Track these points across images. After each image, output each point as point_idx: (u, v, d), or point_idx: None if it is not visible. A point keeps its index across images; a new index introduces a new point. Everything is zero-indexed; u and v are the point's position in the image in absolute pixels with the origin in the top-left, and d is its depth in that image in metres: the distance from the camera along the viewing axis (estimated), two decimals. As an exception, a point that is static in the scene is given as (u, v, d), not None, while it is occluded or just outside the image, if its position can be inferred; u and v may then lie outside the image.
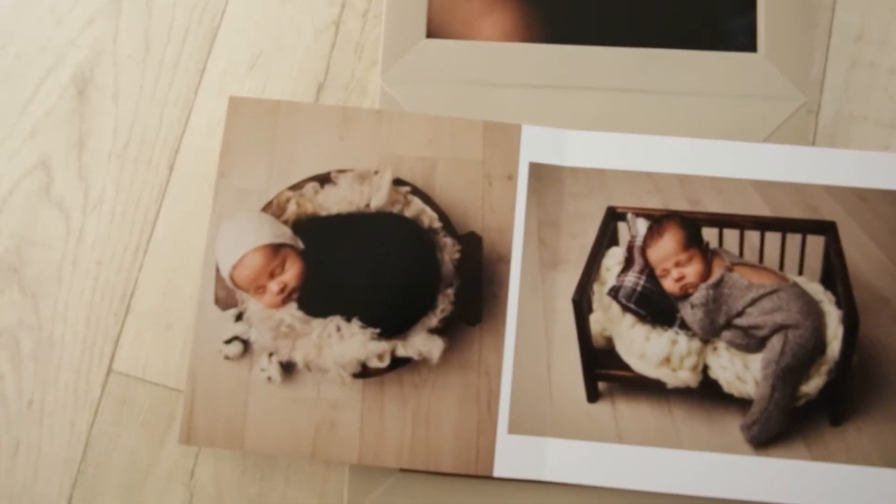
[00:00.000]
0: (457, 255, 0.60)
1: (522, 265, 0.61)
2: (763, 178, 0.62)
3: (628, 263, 0.61)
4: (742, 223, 0.62)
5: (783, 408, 0.58)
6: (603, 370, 0.59)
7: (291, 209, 0.60)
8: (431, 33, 0.66)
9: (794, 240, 0.61)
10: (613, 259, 0.61)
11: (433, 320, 0.58)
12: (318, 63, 0.70)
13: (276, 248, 0.58)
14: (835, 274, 0.60)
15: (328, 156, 0.61)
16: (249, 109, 0.62)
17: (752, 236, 0.62)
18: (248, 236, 0.59)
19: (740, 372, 0.59)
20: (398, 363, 0.58)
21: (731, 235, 0.62)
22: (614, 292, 0.60)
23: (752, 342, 0.59)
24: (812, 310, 0.59)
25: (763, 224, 0.61)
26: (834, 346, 0.59)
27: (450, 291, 0.59)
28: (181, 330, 0.64)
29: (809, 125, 0.67)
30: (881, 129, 0.67)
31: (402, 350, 0.58)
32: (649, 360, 0.59)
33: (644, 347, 0.59)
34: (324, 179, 0.61)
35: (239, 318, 0.59)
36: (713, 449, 0.58)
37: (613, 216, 0.62)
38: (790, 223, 0.61)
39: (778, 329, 0.59)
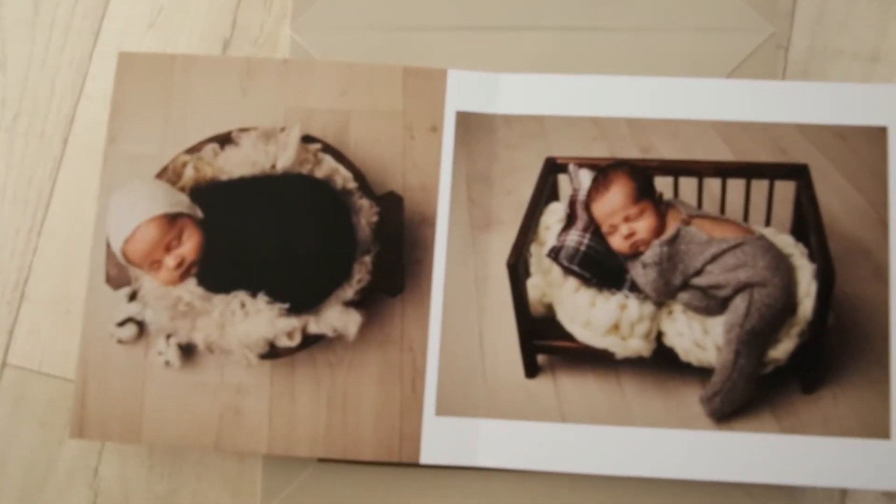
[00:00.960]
0: (374, 219, 0.56)
1: (450, 227, 0.56)
2: (725, 118, 0.57)
3: (570, 220, 0.56)
4: (701, 170, 0.56)
5: (748, 376, 0.53)
6: (543, 341, 0.55)
7: (189, 174, 0.56)
8: (346, -28, 0.62)
9: (760, 186, 0.56)
10: (553, 216, 0.57)
11: (349, 292, 0.54)
12: (223, 17, 0.65)
13: (171, 219, 0.54)
14: (807, 223, 0.55)
15: (229, 113, 0.57)
16: (141, 66, 0.58)
17: (713, 184, 0.57)
18: (141, 206, 0.55)
19: (699, 338, 0.54)
20: (310, 341, 0.54)
21: (688, 184, 0.57)
22: (555, 253, 0.56)
23: (712, 304, 0.54)
24: (781, 265, 0.54)
25: (725, 170, 0.56)
26: (806, 304, 0.54)
27: (367, 259, 0.55)
28: (79, 316, 0.60)
29: (778, 61, 0.61)
30: (860, 63, 0.61)
31: (315, 326, 0.54)
32: (595, 329, 0.54)
33: (589, 314, 0.55)
34: (224, 140, 0.57)
35: (133, 297, 0.55)
36: (669, 425, 0.53)
37: (553, 168, 0.57)
38: (756, 168, 0.56)
39: (742, 288, 0.54)
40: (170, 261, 0.54)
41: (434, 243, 0.56)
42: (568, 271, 0.55)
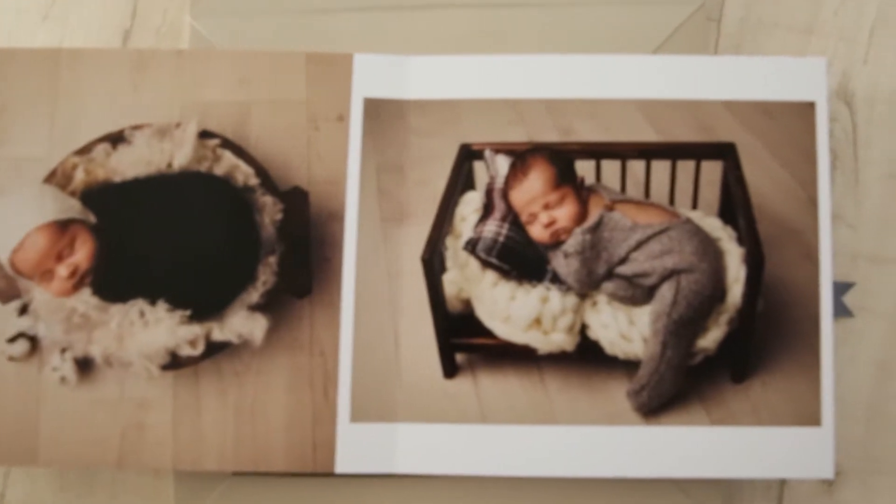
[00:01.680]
0: (279, 216, 0.54)
1: (359, 222, 0.54)
2: (648, 96, 0.55)
3: (487, 210, 0.55)
4: (624, 152, 0.55)
5: (677, 367, 0.52)
6: (461, 339, 0.54)
7: (79, 177, 0.54)
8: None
9: (686, 168, 0.55)
10: (470, 206, 0.55)
11: (253, 295, 0.53)
12: (122, 6, 0.62)
13: (62, 226, 0.52)
14: (735, 205, 0.54)
15: (121, 110, 0.55)
16: (23, 62, 0.55)
17: (636, 167, 0.55)
18: (29, 214, 0.53)
19: (625, 329, 0.53)
20: (214, 349, 0.53)
21: (610, 168, 0.56)
22: (471, 246, 0.54)
23: (638, 293, 0.53)
24: (709, 250, 0.53)
25: (649, 151, 0.55)
26: (735, 290, 0.52)
27: (272, 260, 0.53)
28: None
29: (710, 34, 0.59)
30: (795, 35, 0.60)
31: (219, 333, 0.52)
32: (516, 324, 0.53)
33: (509, 309, 0.53)
34: (116, 139, 0.55)
35: (23, 311, 0.53)
36: (596, 422, 0.52)
37: (468, 155, 0.56)
38: (681, 148, 0.55)
39: (669, 275, 0.52)
40: (62, 270, 0.52)
41: (343, 240, 0.54)
42: (486, 264, 0.54)
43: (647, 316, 0.52)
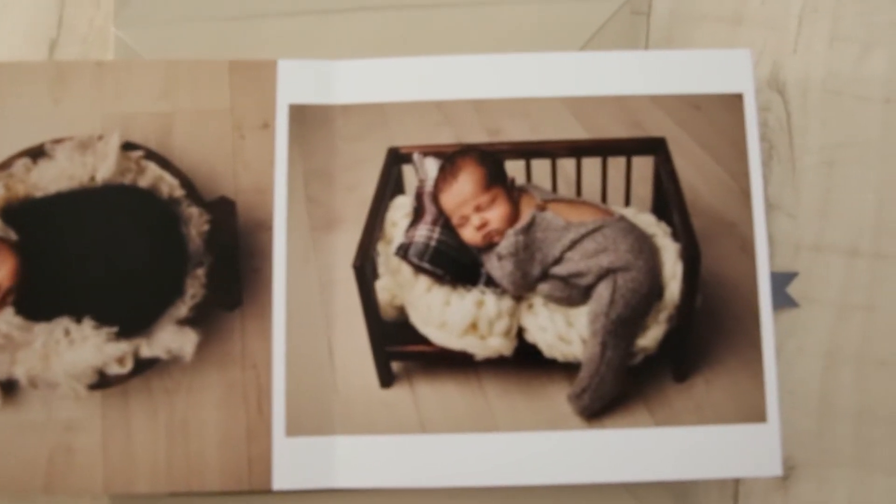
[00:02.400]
0: (206, 227, 0.53)
1: (288, 231, 0.54)
2: (576, 93, 0.55)
3: (418, 214, 0.55)
4: (554, 150, 0.55)
5: (617, 368, 0.52)
6: (396, 347, 0.53)
7: None
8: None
9: (617, 164, 0.55)
10: (400, 211, 0.55)
11: (182, 309, 0.52)
12: (48, 15, 0.62)
13: None
14: (668, 201, 0.54)
15: (40, 123, 0.54)
16: (-61, 78, 0.55)
17: (567, 165, 0.55)
18: None
19: (563, 331, 0.52)
20: (143, 366, 0.52)
21: (541, 167, 0.55)
22: (403, 251, 0.54)
23: (574, 293, 0.53)
24: (644, 247, 0.53)
25: (579, 149, 0.55)
26: (673, 287, 0.52)
27: (200, 272, 0.53)
28: None
29: (639, 29, 0.59)
30: (724, 26, 0.60)
31: (147, 349, 0.52)
32: (452, 329, 0.53)
33: (444, 314, 0.53)
34: (36, 153, 0.54)
35: None
36: (538, 427, 0.52)
37: (397, 159, 0.55)
38: (611, 145, 0.55)
39: (605, 274, 0.52)
40: (-18, 291, 0.52)
41: (272, 249, 0.53)
42: (418, 269, 0.54)
43: (585, 317, 0.52)
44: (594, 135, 0.54)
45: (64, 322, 0.51)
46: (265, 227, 0.54)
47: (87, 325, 0.51)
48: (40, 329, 0.52)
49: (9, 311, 0.52)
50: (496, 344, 0.53)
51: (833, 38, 0.59)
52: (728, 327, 0.53)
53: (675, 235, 0.53)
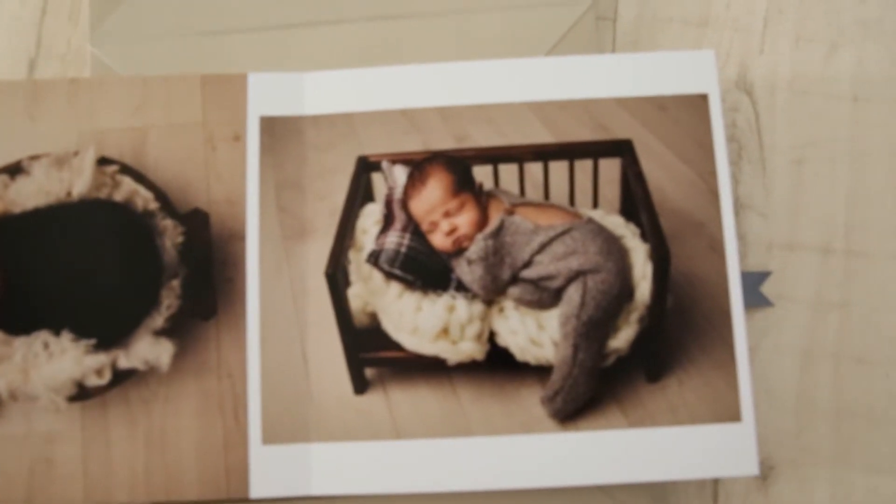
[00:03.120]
0: (180, 239, 0.54)
1: (261, 240, 0.55)
2: (542, 98, 0.56)
3: (388, 221, 0.55)
4: (521, 155, 0.56)
5: (590, 370, 0.52)
6: (369, 354, 0.54)
7: None
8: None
9: (584, 167, 0.56)
10: (370, 219, 0.56)
11: (158, 320, 0.53)
12: (26, 34, 0.63)
13: None
14: (636, 202, 0.54)
15: (17, 141, 0.55)
16: (-82, 99, 0.56)
17: (534, 169, 0.56)
18: None
19: (534, 334, 0.53)
20: (121, 377, 0.53)
21: (508, 172, 0.56)
22: (374, 258, 0.55)
23: (545, 296, 0.53)
24: (613, 248, 0.53)
25: (546, 153, 0.56)
26: (643, 287, 0.53)
27: (175, 283, 0.54)
28: None
29: (606, 33, 0.61)
30: (691, 29, 0.61)
31: (125, 361, 0.53)
32: (424, 335, 0.53)
33: (416, 320, 0.54)
34: (14, 170, 0.55)
35: None
36: (511, 431, 0.52)
37: (366, 167, 0.56)
38: (578, 148, 0.55)
39: (575, 276, 0.53)
40: (-38, 306, 0.54)
41: (245, 259, 0.54)
42: (389, 276, 0.54)
43: (556, 319, 0.53)
44: (560, 139, 0.55)
45: (43, 335, 0.52)
46: (238, 237, 0.55)
47: (66, 337, 0.52)
48: (20, 343, 0.53)
49: (-12, 326, 0.54)
50: (468, 348, 0.54)
51: (799, 39, 0.60)
52: (700, 327, 0.54)
53: (644, 236, 0.53)
